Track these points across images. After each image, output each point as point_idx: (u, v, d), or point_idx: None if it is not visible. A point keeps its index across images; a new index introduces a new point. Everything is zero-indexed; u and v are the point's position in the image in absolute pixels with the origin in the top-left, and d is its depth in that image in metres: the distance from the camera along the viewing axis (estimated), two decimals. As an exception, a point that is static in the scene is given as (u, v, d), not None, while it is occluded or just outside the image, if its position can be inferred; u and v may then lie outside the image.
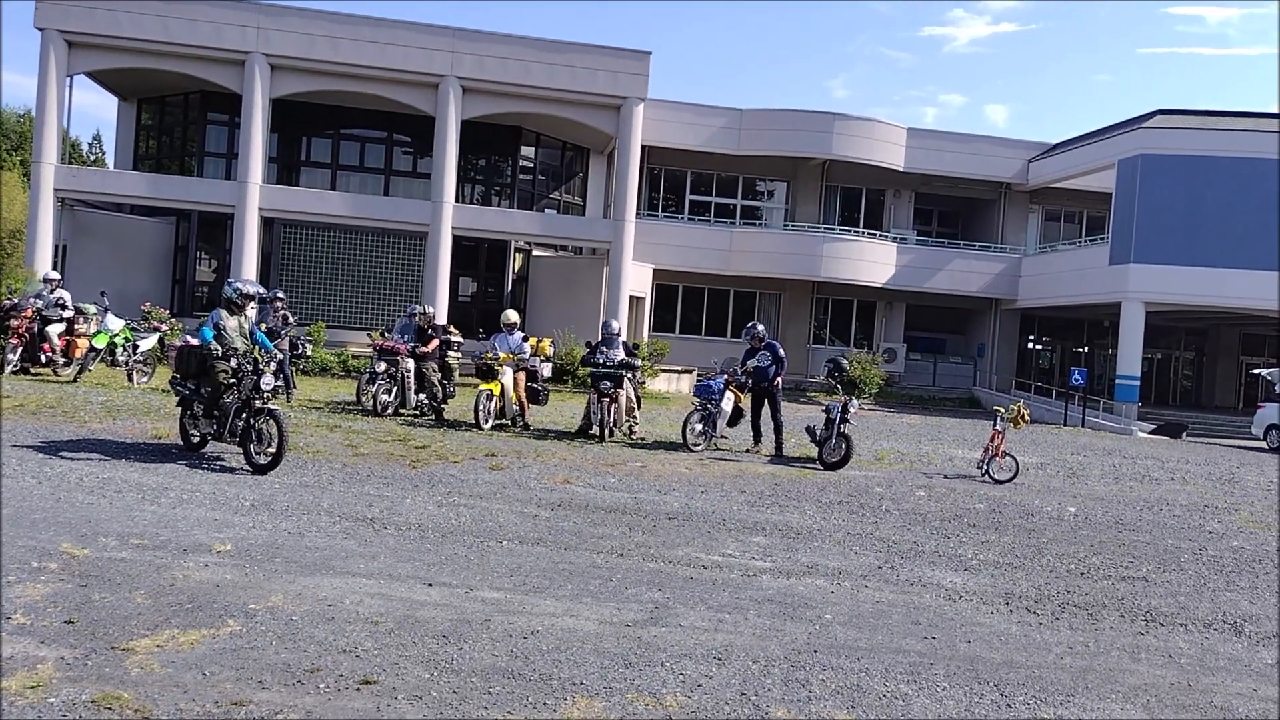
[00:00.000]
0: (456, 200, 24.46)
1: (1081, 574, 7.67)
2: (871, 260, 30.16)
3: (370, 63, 23.22)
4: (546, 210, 27.83)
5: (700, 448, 12.94)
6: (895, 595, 6.60)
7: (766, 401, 13.63)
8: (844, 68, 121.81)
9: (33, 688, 4.02)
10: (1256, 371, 28.58)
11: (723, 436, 13.66)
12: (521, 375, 13.75)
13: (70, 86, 23.11)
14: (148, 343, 15.87)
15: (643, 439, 13.77)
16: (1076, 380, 25.31)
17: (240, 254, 23.09)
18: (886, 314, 33.01)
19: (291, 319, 15.81)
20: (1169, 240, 25.71)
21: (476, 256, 26.91)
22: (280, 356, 10.16)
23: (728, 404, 13.34)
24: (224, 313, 9.84)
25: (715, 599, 6.12)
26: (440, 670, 4.57)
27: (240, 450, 9.26)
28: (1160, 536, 9.52)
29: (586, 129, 25.92)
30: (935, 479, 12.25)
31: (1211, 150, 25.76)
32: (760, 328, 13.93)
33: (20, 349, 15.18)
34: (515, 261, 27.29)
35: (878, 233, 31.88)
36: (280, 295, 15.84)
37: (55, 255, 22.72)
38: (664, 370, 23.90)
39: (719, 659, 5.02)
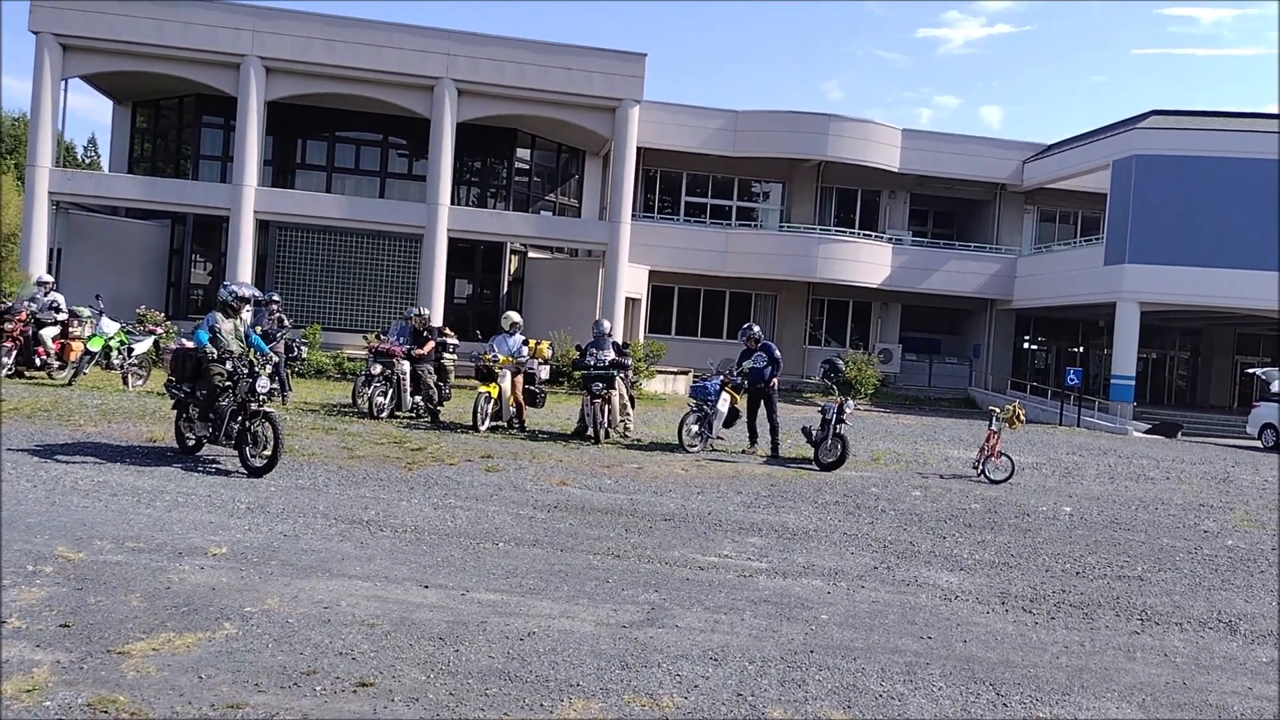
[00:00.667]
0: (452, 202, 24.44)
1: (1077, 573, 7.68)
2: (867, 261, 30.20)
3: (365, 65, 23.21)
4: (542, 212, 27.84)
5: (696, 449, 12.95)
6: (891, 595, 6.61)
7: (762, 402, 13.64)
8: (839, 69, 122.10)
9: (28, 691, 4.01)
10: (1251, 371, 28.69)
11: (719, 438, 13.68)
12: (519, 378, 13.76)
13: (65, 90, 23.10)
14: (143, 346, 15.86)
15: (638, 440, 13.78)
16: (1072, 380, 25.35)
17: (235, 257, 23.07)
18: (882, 315, 33.05)
19: (287, 322, 15.82)
20: (1163, 240, 25.79)
21: (472, 258, 26.90)
22: (275, 359, 10.14)
23: (724, 405, 13.36)
24: (219, 315, 9.83)
25: (711, 600, 6.13)
26: (437, 672, 4.57)
27: (236, 453, 9.25)
28: (1155, 536, 9.54)
29: (582, 131, 25.93)
30: (931, 479, 12.27)
31: (1206, 151, 25.85)
32: (756, 329, 13.95)
33: (15, 352, 15.17)
34: (511, 263, 27.29)
35: (873, 234, 31.91)
36: (275, 298, 15.86)
37: (50, 258, 22.69)
38: (660, 371, 23.91)
39: (715, 660, 5.02)
